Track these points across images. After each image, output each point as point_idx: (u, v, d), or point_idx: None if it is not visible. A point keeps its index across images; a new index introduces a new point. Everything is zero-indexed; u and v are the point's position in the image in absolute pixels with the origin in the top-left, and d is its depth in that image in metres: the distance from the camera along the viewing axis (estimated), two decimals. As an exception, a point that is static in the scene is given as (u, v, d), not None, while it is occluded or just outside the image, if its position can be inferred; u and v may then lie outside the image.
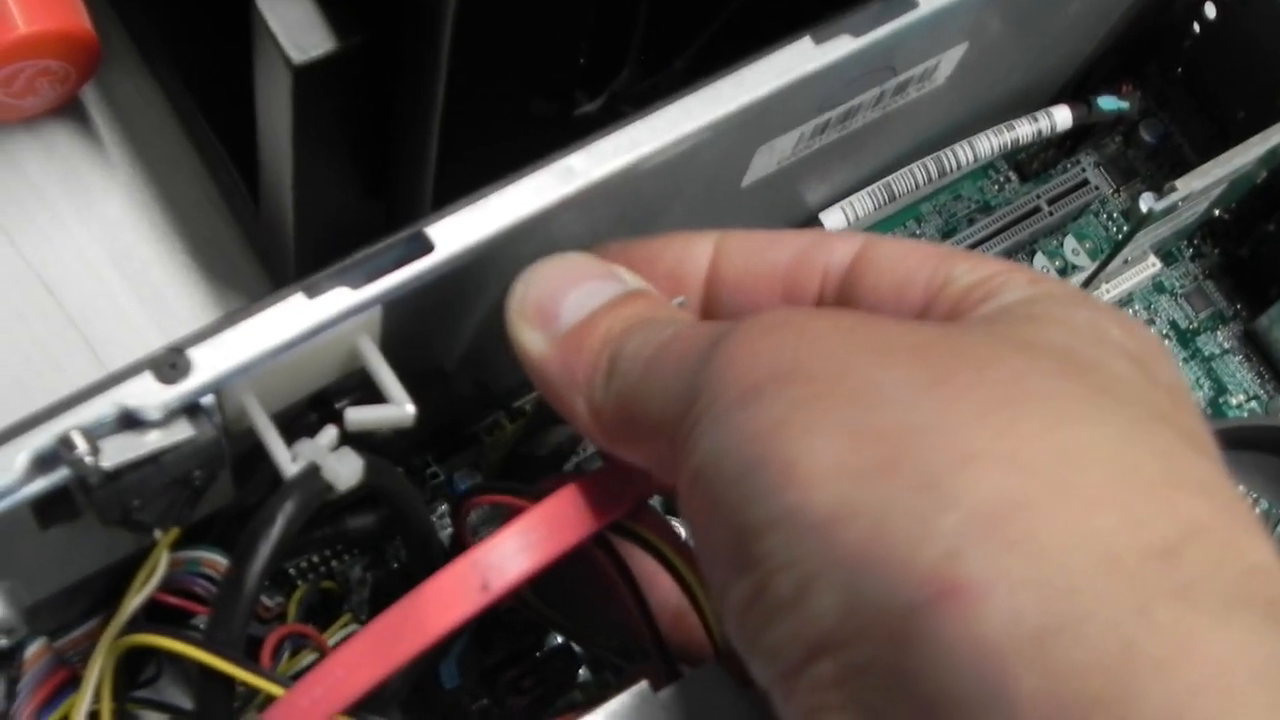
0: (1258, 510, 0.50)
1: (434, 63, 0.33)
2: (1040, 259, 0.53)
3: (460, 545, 0.38)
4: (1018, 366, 0.24)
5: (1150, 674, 0.20)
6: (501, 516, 0.42)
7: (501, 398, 0.44)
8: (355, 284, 0.31)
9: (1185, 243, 0.55)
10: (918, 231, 0.53)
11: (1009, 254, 0.52)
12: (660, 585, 0.33)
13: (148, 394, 0.29)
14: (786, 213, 0.47)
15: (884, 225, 0.52)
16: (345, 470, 0.31)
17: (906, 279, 0.29)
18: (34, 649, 0.34)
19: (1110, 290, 0.52)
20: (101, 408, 0.29)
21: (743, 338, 0.26)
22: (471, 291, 0.34)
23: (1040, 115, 0.49)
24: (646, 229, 0.37)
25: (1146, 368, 0.25)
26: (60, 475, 0.29)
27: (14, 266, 0.44)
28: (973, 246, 0.51)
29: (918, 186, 0.48)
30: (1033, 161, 0.54)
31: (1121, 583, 0.21)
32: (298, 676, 0.34)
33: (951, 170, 0.48)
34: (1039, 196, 0.53)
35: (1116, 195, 0.55)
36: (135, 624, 0.32)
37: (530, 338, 0.31)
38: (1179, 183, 0.46)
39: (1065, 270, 0.53)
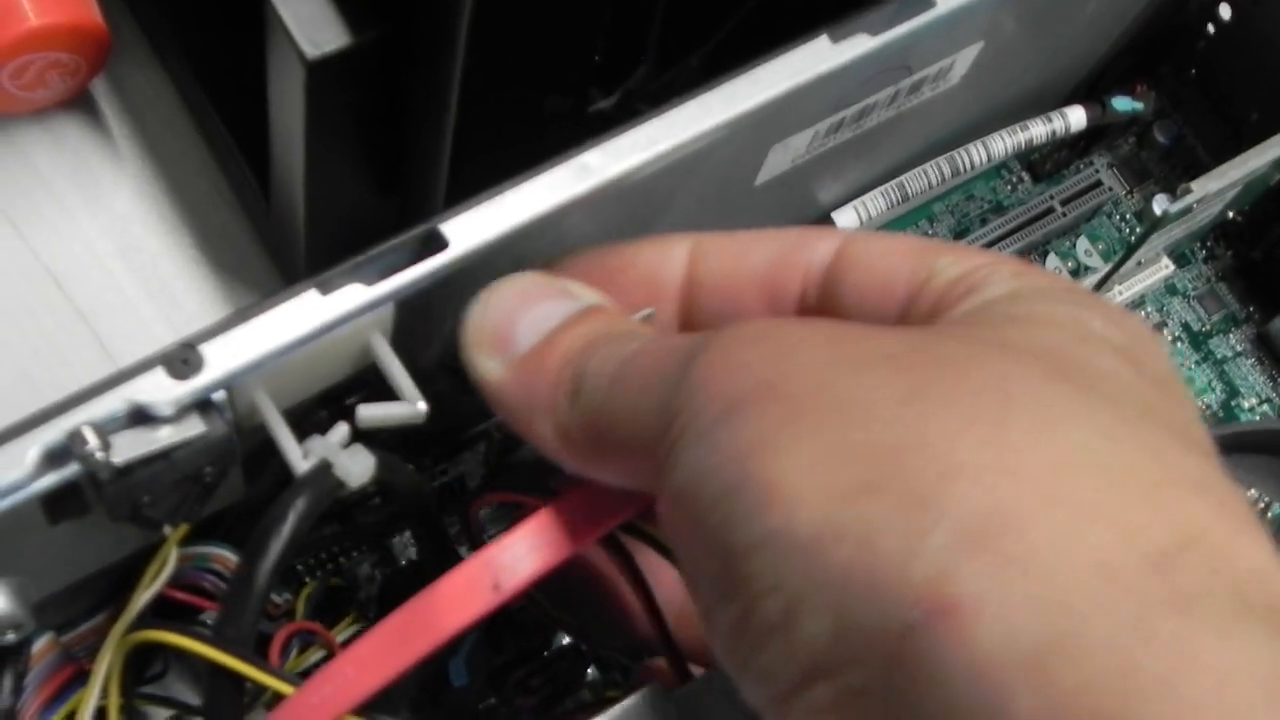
0: (1269, 515, 0.50)
1: (449, 59, 0.33)
2: (1053, 260, 0.53)
3: (471, 543, 0.37)
4: (999, 371, 0.23)
5: (1152, 692, 0.19)
6: (510, 514, 0.42)
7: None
8: (369, 280, 0.30)
9: (1198, 245, 0.55)
10: (930, 231, 0.52)
11: (1022, 255, 0.52)
12: (665, 583, 0.33)
13: (159, 389, 0.29)
14: (799, 211, 0.46)
15: (897, 224, 0.51)
16: (357, 468, 0.31)
17: (889, 275, 0.28)
18: (41, 644, 0.34)
19: (1123, 292, 0.52)
20: (113, 403, 0.28)
21: (719, 352, 0.25)
22: (478, 287, 0.34)
23: (1054, 116, 0.49)
24: (657, 227, 0.36)
25: (1134, 360, 0.25)
26: (70, 471, 0.28)
27: (23, 259, 0.43)
28: (986, 246, 0.51)
29: (931, 186, 0.47)
30: (1046, 162, 0.54)
31: (1118, 596, 0.20)
32: (306, 673, 0.34)
33: (965, 170, 0.48)
34: (1052, 197, 0.52)
35: (1130, 196, 0.55)
36: (144, 620, 0.32)
37: (487, 365, 0.30)
38: (1194, 185, 0.45)
39: (1078, 271, 0.53)
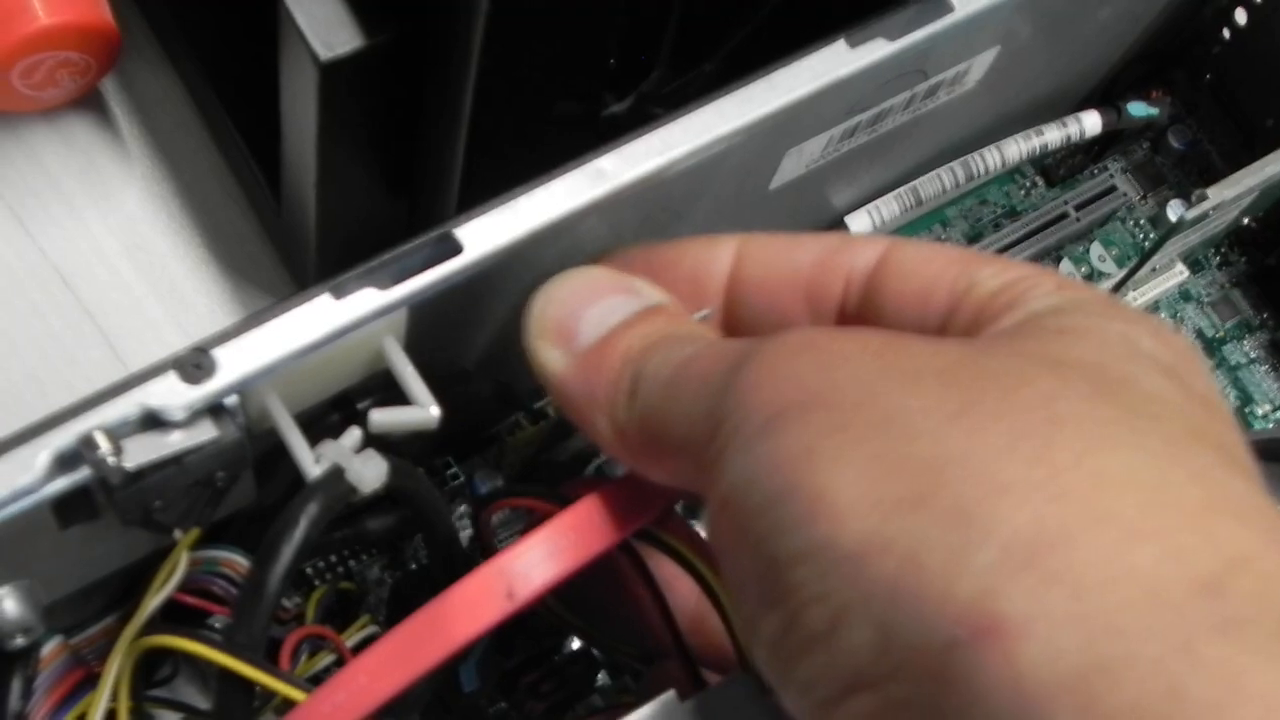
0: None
1: (463, 61, 0.33)
2: (1066, 265, 0.53)
3: (483, 548, 0.37)
4: (1047, 389, 0.23)
5: (1198, 716, 0.19)
6: (523, 519, 0.42)
7: (522, 399, 0.44)
8: (383, 285, 0.30)
9: (1212, 251, 0.55)
10: (943, 236, 0.52)
11: (1035, 260, 0.52)
12: (677, 589, 0.33)
13: (172, 394, 0.29)
14: (812, 215, 0.46)
15: (909, 229, 0.51)
16: (370, 473, 0.31)
17: (930, 284, 0.28)
18: (51, 647, 0.34)
19: (1137, 298, 0.52)
20: (125, 407, 0.28)
21: (767, 361, 0.25)
22: (494, 292, 0.34)
23: (1069, 121, 0.49)
24: (672, 231, 0.36)
25: (1181, 380, 0.25)
26: (81, 475, 0.28)
27: (31, 258, 0.43)
28: (999, 252, 0.51)
29: (945, 190, 0.47)
30: (1060, 167, 0.53)
31: (1165, 619, 0.20)
32: (316, 678, 0.34)
33: (979, 175, 0.47)
34: (1066, 202, 0.52)
35: (1144, 202, 0.54)
36: (153, 624, 0.32)
37: (550, 356, 0.30)
38: (1210, 191, 0.45)
39: (1092, 277, 0.53)
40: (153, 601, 0.31)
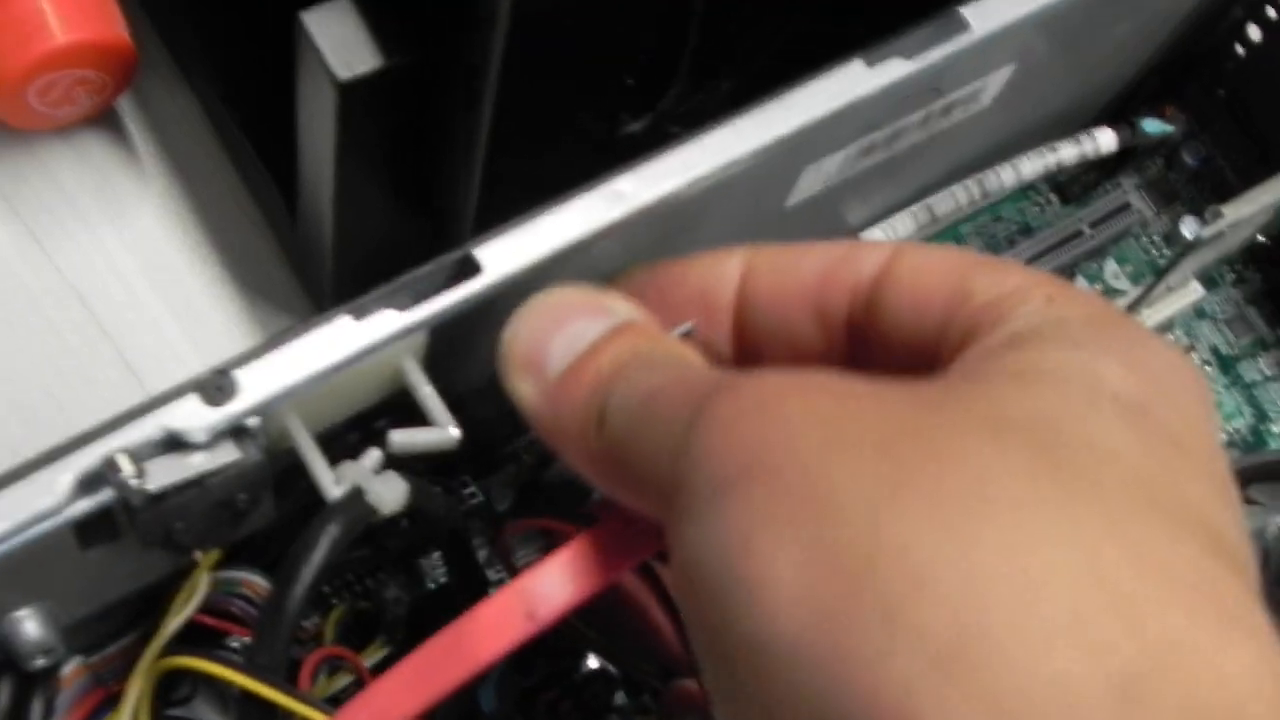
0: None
1: (482, 83, 0.33)
2: (1081, 282, 0.53)
3: (504, 566, 0.37)
4: (982, 467, 0.22)
5: None
6: (541, 537, 0.42)
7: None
8: (403, 306, 0.30)
9: (1227, 268, 0.55)
10: (957, 253, 0.52)
11: (1049, 277, 0.51)
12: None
13: (194, 416, 0.28)
14: (827, 232, 0.46)
15: (924, 246, 0.51)
16: (390, 494, 0.31)
17: (925, 298, 0.28)
18: (71, 668, 0.34)
19: (1151, 316, 0.51)
20: (147, 429, 0.28)
21: (720, 420, 0.25)
22: (510, 311, 0.34)
23: (1084, 137, 0.49)
24: (686, 249, 0.36)
25: (1147, 418, 0.24)
26: (104, 497, 0.28)
27: (47, 276, 0.43)
28: (1014, 269, 0.50)
29: (960, 207, 0.47)
30: (1074, 184, 0.53)
31: None
32: (334, 698, 0.34)
33: (994, 192, 0.47)
34: (1081, 219, 0.52)
35: (1158, 218, 0.54)
36: (173, 645, 0.32)
37: (522, 389, 0.30)
38: (1226, 209, 0.45)
39: (1106, 294, 0.53)
40: (174, 622, 0.32)
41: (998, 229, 0.53)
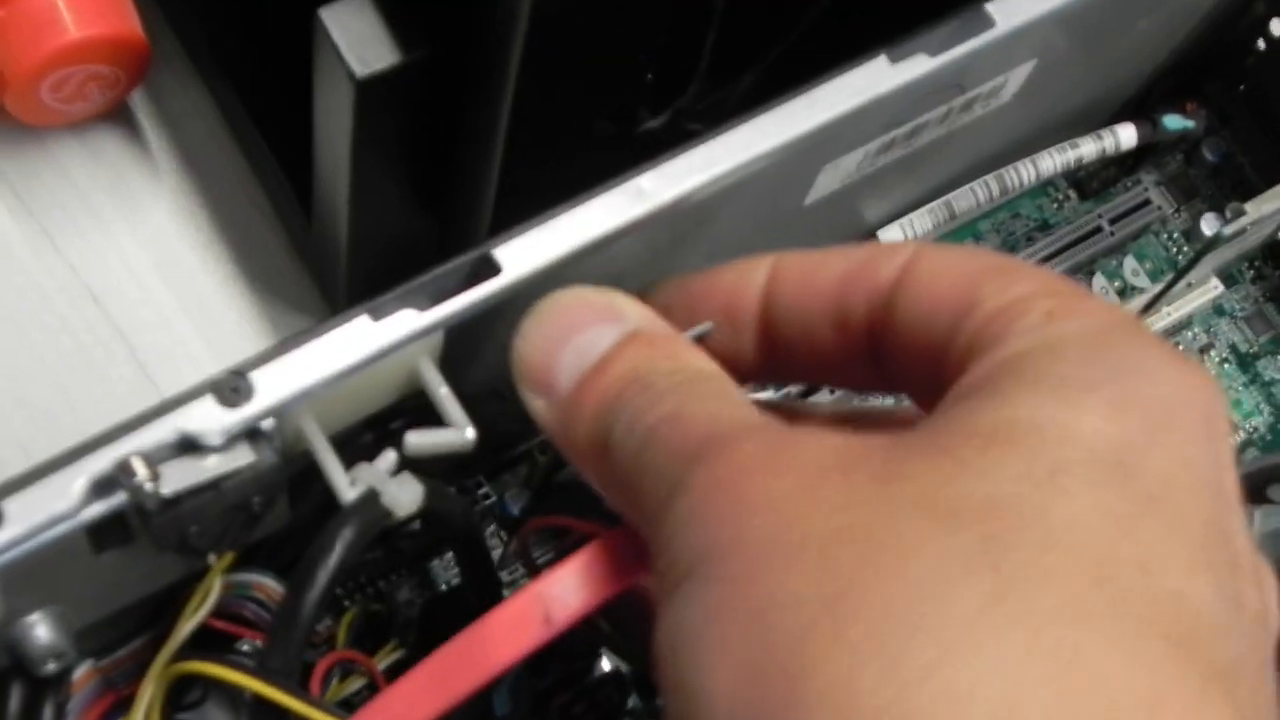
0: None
1: (500, 79, 0.32)
2: (1100, 280, 0.52)
3: (525, 566, 0.37)
4: (926, 572, 0.22)
5: None
6: (558, 536, 0.42)
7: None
8: (421, 306, 0.30)
9: (1247, 264, 0.54)
10: (975, 250, 0.52)
11: (1069, 274, 0.51)
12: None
13: (209, 418, 0.28)
14: (846, 230, 0.46)
15: (944, 242, 0.51)
16: (405, 496, 0.30)
17: (936, 304, 0.27)
18: (82, 672, 0.33)
19: (1170, 314, 0.51)
20: (161, 432, 0.28)
21: (698, 491, 0.25)
22: (527, 310, 0.34)
23: (1104, 133, 0.48)
24: (702, 246, 0.36)
25: (1122, 471, 0.23)
26: (118, 501, 0.28)
27: (60, 274, 0.43)
28: (1033, 266, 0.50)
29: (979, 204, 0.47)
30: (1093, 180, 0.53)
31: None
32: (347, 703, 0.34)
33: (1014, 188, 0.47)
34: (1100, 216, 0.52)
35: (1177, 215, 0.54)
36: (185, 649, 0.32)
37: (536, 405, 0.30)
38: (1249, 206, 0.45)
39: (1125, 291, 0.52)
40: (186, 627, 0.31)
41: (1016, 225, 0.52)
